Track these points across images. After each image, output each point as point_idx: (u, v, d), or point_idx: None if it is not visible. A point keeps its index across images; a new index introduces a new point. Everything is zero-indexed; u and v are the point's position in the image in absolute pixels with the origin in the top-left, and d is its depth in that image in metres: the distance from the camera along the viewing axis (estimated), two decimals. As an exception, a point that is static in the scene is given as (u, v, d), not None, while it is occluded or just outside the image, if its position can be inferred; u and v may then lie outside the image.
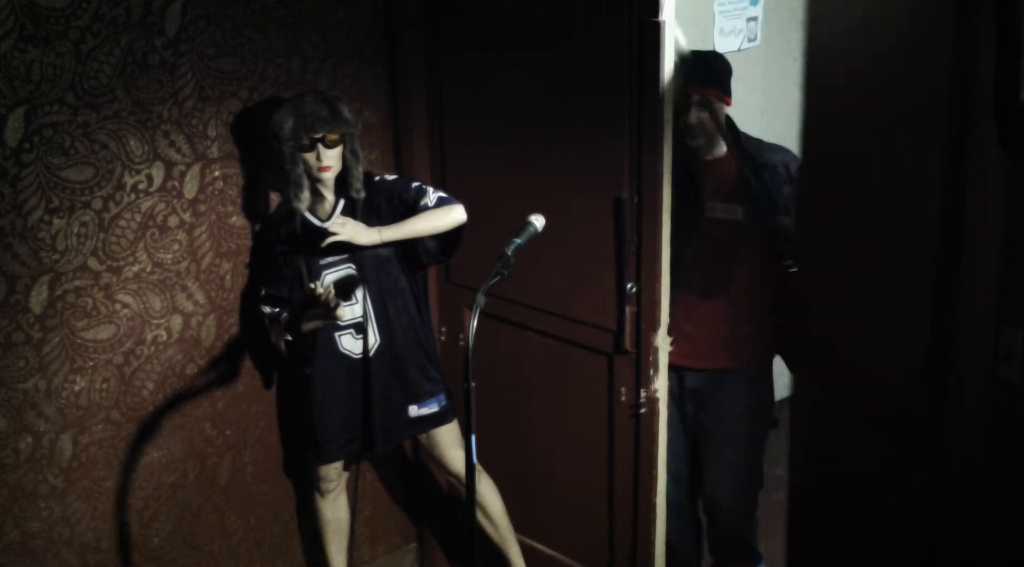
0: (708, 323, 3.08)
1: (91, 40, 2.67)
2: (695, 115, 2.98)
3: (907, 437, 2.43)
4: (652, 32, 2.66)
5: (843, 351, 2.53)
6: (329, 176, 2.91)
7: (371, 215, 2.96)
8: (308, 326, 2.95)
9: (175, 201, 2.97)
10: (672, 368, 2.95)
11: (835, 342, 2.54)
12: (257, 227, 3.17)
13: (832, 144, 2.48)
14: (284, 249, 3.00)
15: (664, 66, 2.65)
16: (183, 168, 2.96)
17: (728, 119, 3.07)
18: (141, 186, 2.88)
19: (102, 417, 2.96)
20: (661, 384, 2.88)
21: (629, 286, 2.86)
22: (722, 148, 3.06)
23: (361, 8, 3.26)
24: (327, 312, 2.81)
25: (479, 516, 3.21)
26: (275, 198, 3.17)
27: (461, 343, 3.41)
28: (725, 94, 3.03)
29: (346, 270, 2.99)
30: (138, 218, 2.89)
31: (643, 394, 2.88)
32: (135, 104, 2.80)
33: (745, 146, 3.06)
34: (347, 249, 2.94)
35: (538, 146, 3.05)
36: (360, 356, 3.04)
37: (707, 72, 2.99)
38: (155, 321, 3.01)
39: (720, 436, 3.19)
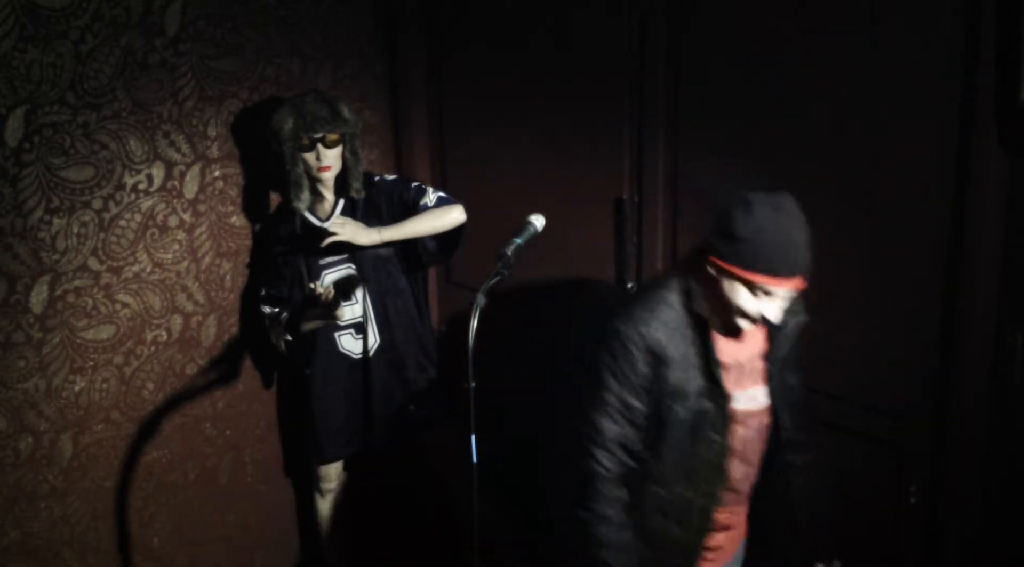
0: (739, 524, 2.34)
1: (91, 40, 2.67)
2: (769, 310, 2.00)
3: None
4: (652, 32, 2.66)
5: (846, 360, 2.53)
6: (329, 176, 2.91)
7: (371, 215, 2.96)
8: (308, 326, 2.95)
9: (175, 201, 2.97)
10: None
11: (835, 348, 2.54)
12: (257, 227, 3.17)
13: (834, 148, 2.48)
14: (284, 249, 3.00)
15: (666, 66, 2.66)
16: (183, 168, 2.96)
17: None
18: (141, 186, 2.88)
19: (102, 417, 2.95)
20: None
21: (629, 286, 2.86)
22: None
23: (361, 8, 3.26)
24: (327, 312, 2.81)
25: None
26: (275, 198, 3.17)
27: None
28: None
29: (346, 270, 2.99)
30: (138, 218, 2.89)
31: None
32: (135, 104, 2.80)
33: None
34: (347, 249, 2.94)
35: (538, 146, 3.05)
36: (360, 356, 3.04)
37: (787, 256, 1.95)
38: (155, 321, 3.01)
39: None
